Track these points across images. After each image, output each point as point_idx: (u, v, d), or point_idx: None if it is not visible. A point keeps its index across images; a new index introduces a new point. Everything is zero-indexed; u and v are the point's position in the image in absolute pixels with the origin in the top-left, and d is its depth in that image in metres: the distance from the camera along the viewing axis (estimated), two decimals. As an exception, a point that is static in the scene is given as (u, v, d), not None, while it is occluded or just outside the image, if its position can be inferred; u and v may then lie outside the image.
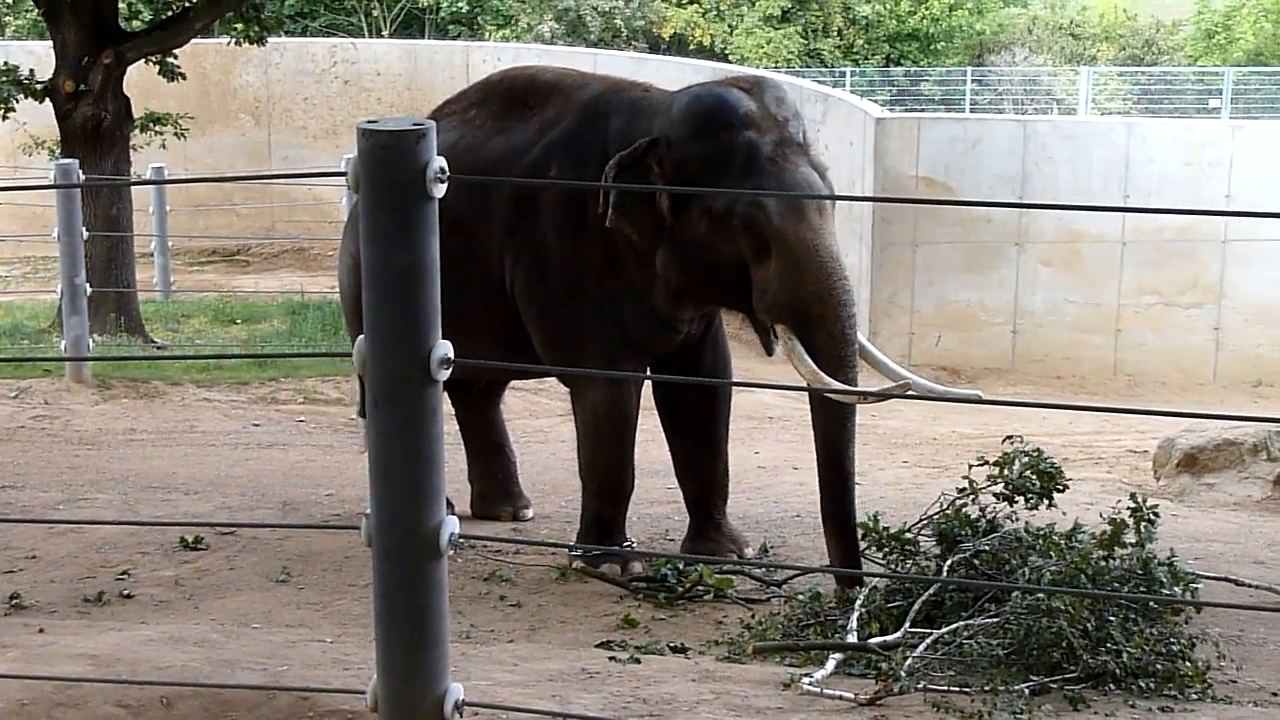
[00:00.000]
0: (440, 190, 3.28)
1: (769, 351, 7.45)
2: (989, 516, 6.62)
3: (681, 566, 7.43)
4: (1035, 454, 6.74)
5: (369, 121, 3.29)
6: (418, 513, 3.34)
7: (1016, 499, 6.68)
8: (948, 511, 6.71)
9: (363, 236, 3.30)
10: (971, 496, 6.71)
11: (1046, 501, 6.69)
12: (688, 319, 7.70)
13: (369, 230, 3.29)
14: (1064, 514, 6.79)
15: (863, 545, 6.85)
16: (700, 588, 7.32)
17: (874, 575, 6.50)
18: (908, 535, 6.66)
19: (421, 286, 3.29)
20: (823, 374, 6.94)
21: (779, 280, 7.05)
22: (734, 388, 8.81)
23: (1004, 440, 6.96)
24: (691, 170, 7.14)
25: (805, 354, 7.02)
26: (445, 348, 3.31)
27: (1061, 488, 6.72)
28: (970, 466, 6.83)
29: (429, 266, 3.30)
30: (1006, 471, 6.70)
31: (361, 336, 3.33)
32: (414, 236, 3.27)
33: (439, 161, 3.27)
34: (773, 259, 7.05)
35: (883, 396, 7.15)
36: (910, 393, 7.16)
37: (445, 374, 3.31)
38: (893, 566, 6.67)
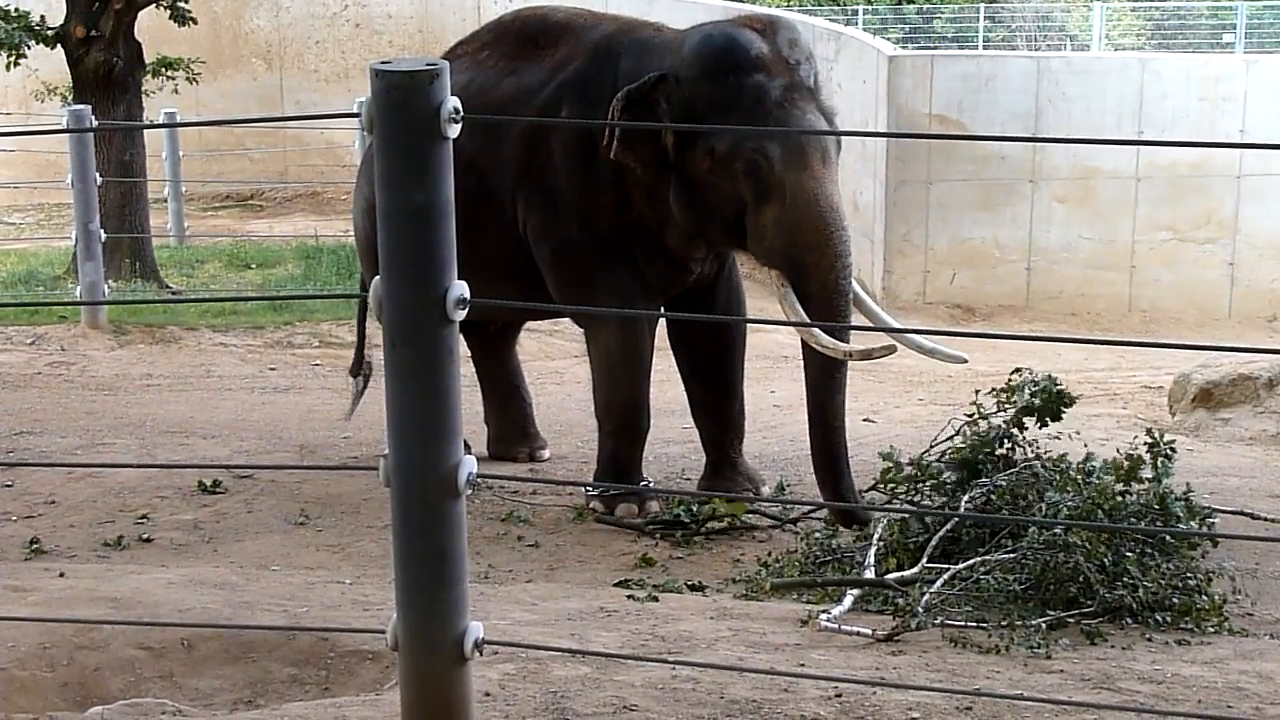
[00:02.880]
0: (454, 131, 3.28)
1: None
2: (1005, 450, 6.62)
3: (695, 507, 7.45)
4: (1046, 379, 6.72)
5: (383, 63, 3.29)
6: (436, 453, 3.35)
7: (1025, 423, 6.66)
8: (961, 440, 6.71)
9: (377, 178, 3.30)
10: (980, 419, 6.71)
11: (1051, 419, 6.66)
12: (699, 258, 7.71)
13: (383, 171, 3.29)
14: (1084, 445, 6.79)
15: (884, 484, 6.84)
16: (714, 521, 7.35)
17: (892, 512, 6.51)
18: (928, 463, 6.65)
19: (437, 227, 3.29)
20: (813, 323, 6.97)
21: (776, 226, 7.07)
22: (748, 327, 8.80)
23: (1012, 372, 6.94)
24: (698, 109, 7.15)
25: (797, 302, 7.05)
26: (461, 288, 3.31)
27: (1068, 403, 6.69)
28: (977, 392, 6.83)
29: (444, 207, 3.30)
30: (1015, 397, 6.70)
31: (377, 278, 3.33)
32: (429, 177, 3.27)
33: (453, 102, 3.27)
34: (771, 205, 7.06)
35: (865, 356, 7.14)
36: (895, 347, 7.16)
37: (461, 314, 3.32)
38: (912, 500, 6.68)
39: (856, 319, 7.31)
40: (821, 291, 7.06)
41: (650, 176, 7.28)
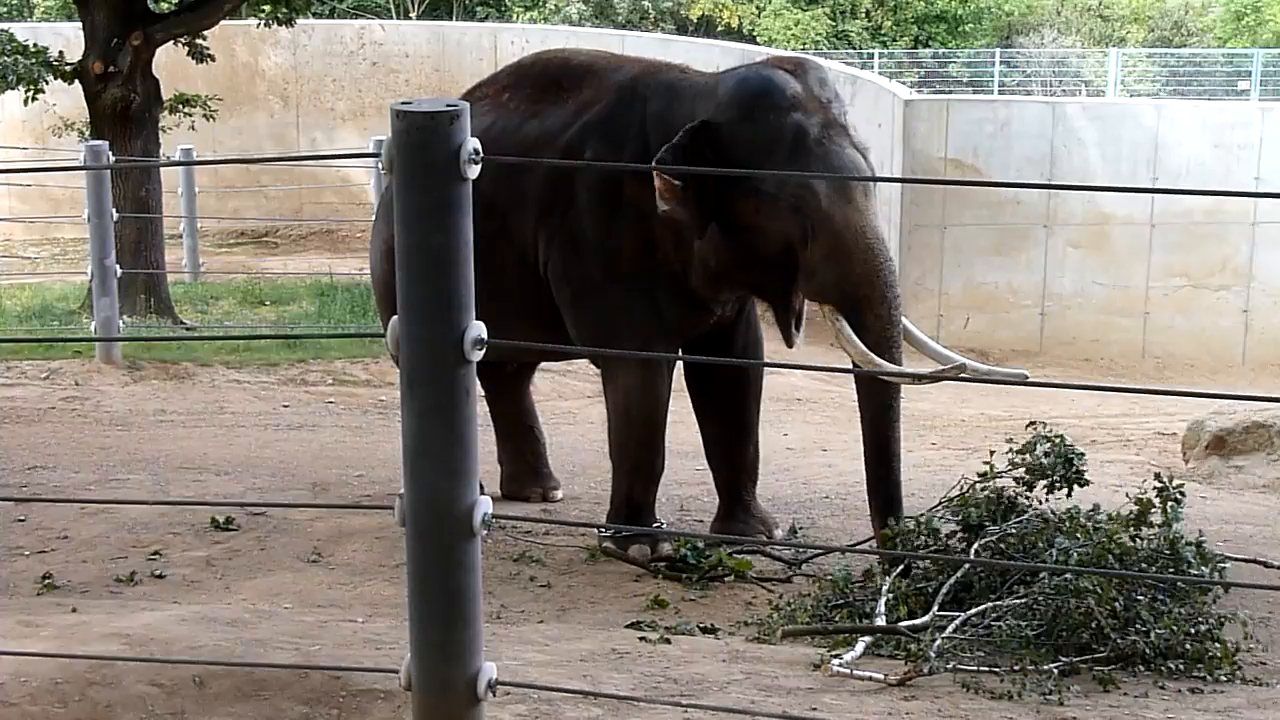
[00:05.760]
0: (474, 172, 3.28)
1: (789, 343, 7.50)
2: (1012, 499, 6.61)
3: (702, 547, 7.46)
4: (1058, 440, 6.71)
5: (403, 103, 3.30)
6: (452, 493, 3.35)
7: (1037, 483, 6.66)
8: (969, 495, 6.71)
9: (397, 218, 3.30)
10: (991, 479, 6.71)
11: (1067, 489, 6.65)
12: (722, 301, 7.71)
13: (403, 211, 3.29)
14: (1090, 490, 6.77)
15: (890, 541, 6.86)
16: (720, 569, 7.35)
17: (903, 556, 6.51)
18: (935, 525, 6.66)
19: (456, 268, 3.29)
20: (872, 354, 6.97)
21: (827, 262, 7.08)
22: (764, 370, 8.80)
23: (1028, 426, 6.94)
24: (740, 152, 7.15)
25: (854, 335, 7.05)
26: (479, 329, 3.31)
27: (1083, 481, 6.66)
28: (991, 453, 6.82)
29: (463, 248, 3.30)
30: (1029, 456, 6.68)
31: (395, 317, 3.33)
32: (448, 218, 3.27)
33: (473, 143, 3.27)
34: (820, 241, 7.07)
35: (935, 378, 7.14)
36: (962, 375, 7.16)
37: (479, 355, 3.32)
38: (924, 548, 6.67)
39: (905, 350, 7.32)
40: (876, 323, 7.08)
41: (696, 226, 7.28)
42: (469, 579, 3.41)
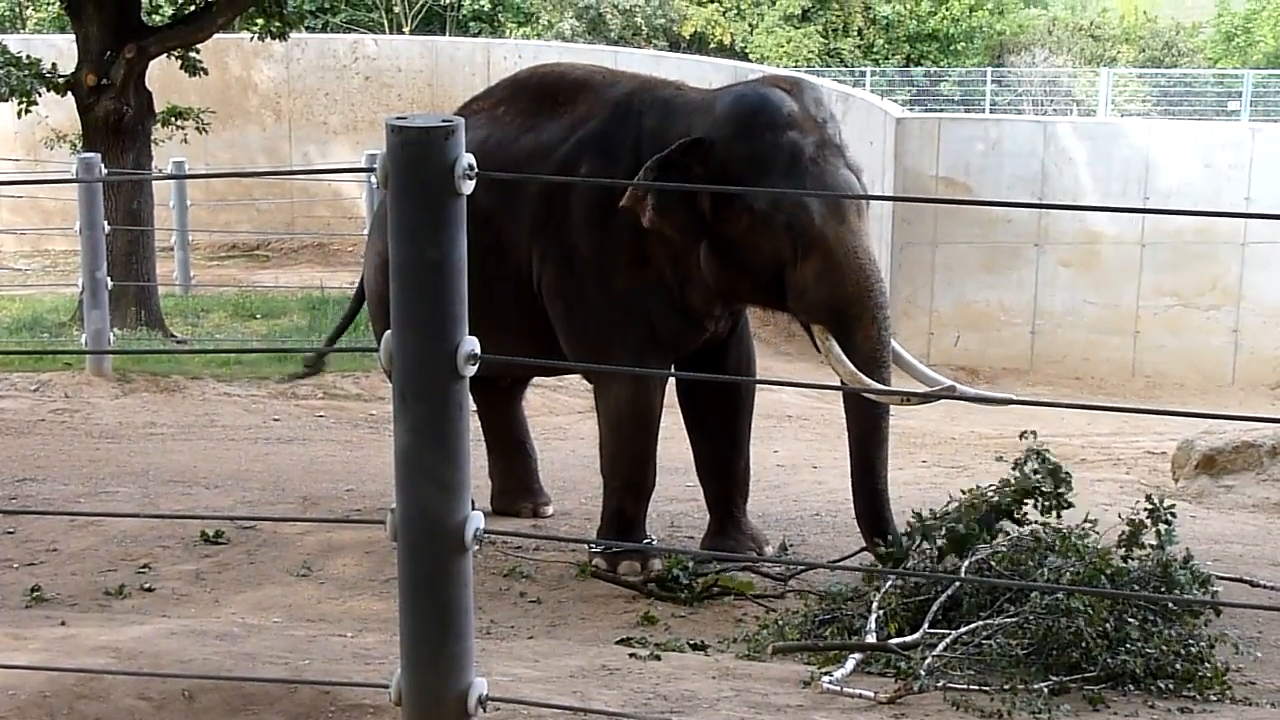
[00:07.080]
0: (469, 187, 3.28)
1: (819, 348, 7.48)
2: (1004, 520, 6.62)
3: (692, 566, 7.45)
4: (1045, 459, 6.71)
5: (398, 118, 3.30)
6: (444, 508, 3.35)
7: (1025, 504, 6.67)
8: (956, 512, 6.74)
9: (391, 232, 3.30)
10: (980, 501, 6.72)
11: (1055, 511, 6.63)
12: (717, 316, 7.71)
13: (397, 226, 3.29)
14: (1087, 513, 6.77)
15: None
16: (717, 588, 7.34)
17: (895, 574, 6.50)
18: (928, 526, 6.69)
19: (450, 282, 3.29)
20: (861, 374, 6.97)
21: (818, 281, 7.10)
22: (757, 386, 8.79)
23: (1021, 435, 6.95)
24: (735, 169, 7.15)
25: (843, 354, 7.05)
26: (472, 344, 3.31)
27: (1066, 504, 6.65)
28: (987, 486, 6.81)
29: (457, 262, 3.30)
30: (1019, 472, 6.69)
31: (389, 332, 3.33)
32: (442, 232, 3.27)
33: (468, 158, 3.27)
34: (812, 260, 7.08)
35: (924, 398, 7.15)
36: (951, 394, 7.16)
37: (472, 370, 3.32)
38: (915, 565, 6.68)
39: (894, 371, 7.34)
40: (866, 343, 7.10)
41: (688, 242, 7.28)
42: (460, 594, 3.40)
